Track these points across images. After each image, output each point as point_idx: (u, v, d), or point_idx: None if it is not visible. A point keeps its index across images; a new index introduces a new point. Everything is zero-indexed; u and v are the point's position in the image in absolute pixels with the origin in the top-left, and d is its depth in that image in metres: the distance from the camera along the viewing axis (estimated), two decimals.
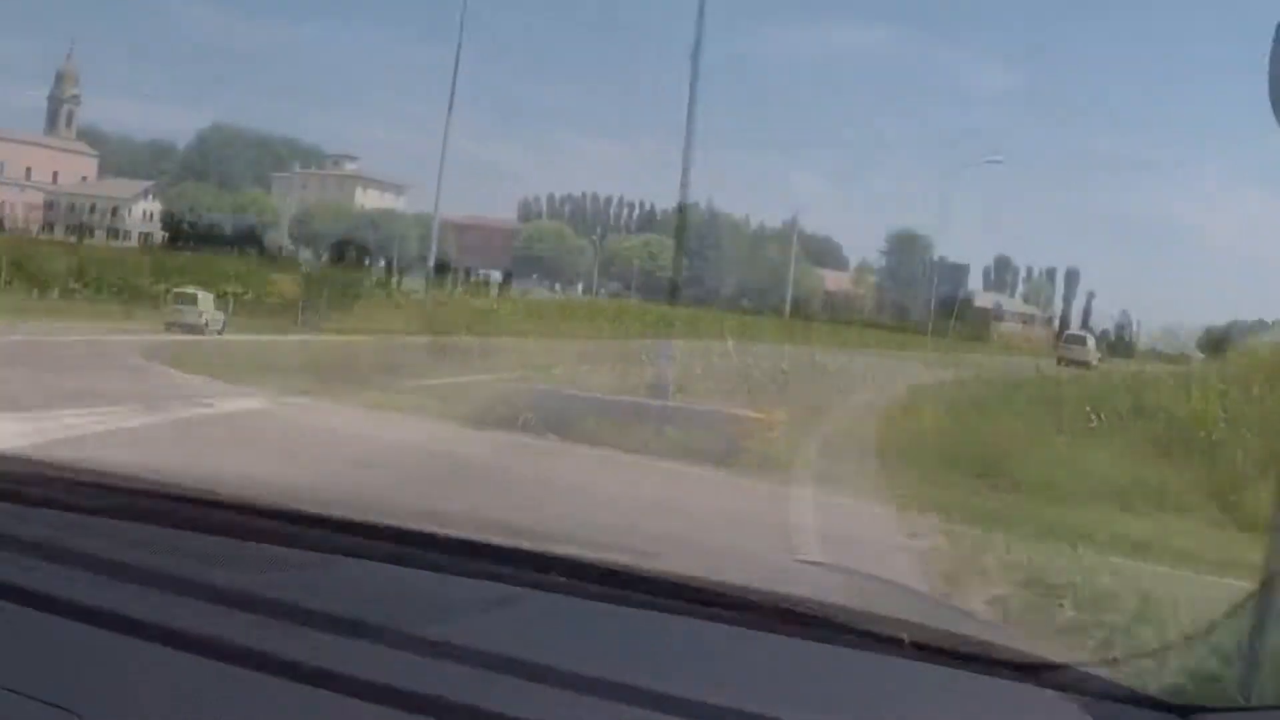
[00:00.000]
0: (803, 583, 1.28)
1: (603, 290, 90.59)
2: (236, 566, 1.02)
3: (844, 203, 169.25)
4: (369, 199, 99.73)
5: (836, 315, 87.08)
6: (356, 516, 1.19)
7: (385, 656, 0.84)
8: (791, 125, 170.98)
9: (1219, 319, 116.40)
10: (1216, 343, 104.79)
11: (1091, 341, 53.92)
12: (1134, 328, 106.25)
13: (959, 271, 44.53)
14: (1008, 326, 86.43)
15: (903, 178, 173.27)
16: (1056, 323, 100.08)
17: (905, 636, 0.91)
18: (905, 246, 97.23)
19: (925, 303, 76.57)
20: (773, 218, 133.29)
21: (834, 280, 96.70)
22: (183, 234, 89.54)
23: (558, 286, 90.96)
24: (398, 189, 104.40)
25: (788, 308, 77.78)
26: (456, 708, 0.77)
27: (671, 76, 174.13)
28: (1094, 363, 48.20)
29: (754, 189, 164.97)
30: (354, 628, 0.88)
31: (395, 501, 1.99)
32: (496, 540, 1.12)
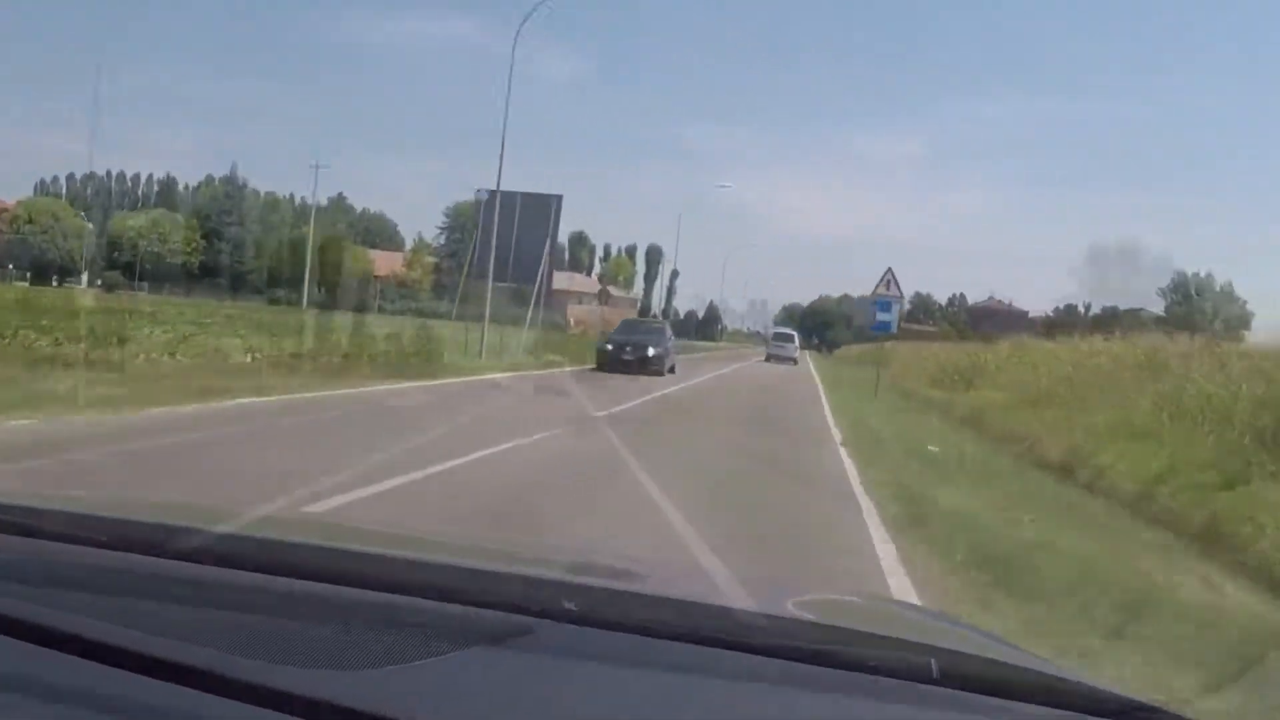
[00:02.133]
0: (837, 614, 1.25)
1: (99, 281, 69.67)
2: (229, 597, 1.03)
3: (407, 178, 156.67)
4: None
5: (385, 302, 73.07)
6: (358, 547, 1.22)
7: (386, 687, 0.83)
8: (350, 100, 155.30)
9: (797, 299, 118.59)
10: (800, 320, 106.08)
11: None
12: (720, 307, 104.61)
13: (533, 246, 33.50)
14: (585, 309, 78.09)
15: (471, 155, 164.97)
16: (640, 305, 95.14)
17: (933, 664, 0.90)
18: (466, 223, 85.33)
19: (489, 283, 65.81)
20: (324, 192, 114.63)
21: (386, 261, 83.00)
22: None
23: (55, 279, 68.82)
24: None
25: (305, 297, 62.45)
26: None
27: (229, 53, 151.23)
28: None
29: (303, 163, 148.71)
30: (354, 658, 0.87)
31: (399, 533, 1.87)
32: (501, 568, 1.14)
